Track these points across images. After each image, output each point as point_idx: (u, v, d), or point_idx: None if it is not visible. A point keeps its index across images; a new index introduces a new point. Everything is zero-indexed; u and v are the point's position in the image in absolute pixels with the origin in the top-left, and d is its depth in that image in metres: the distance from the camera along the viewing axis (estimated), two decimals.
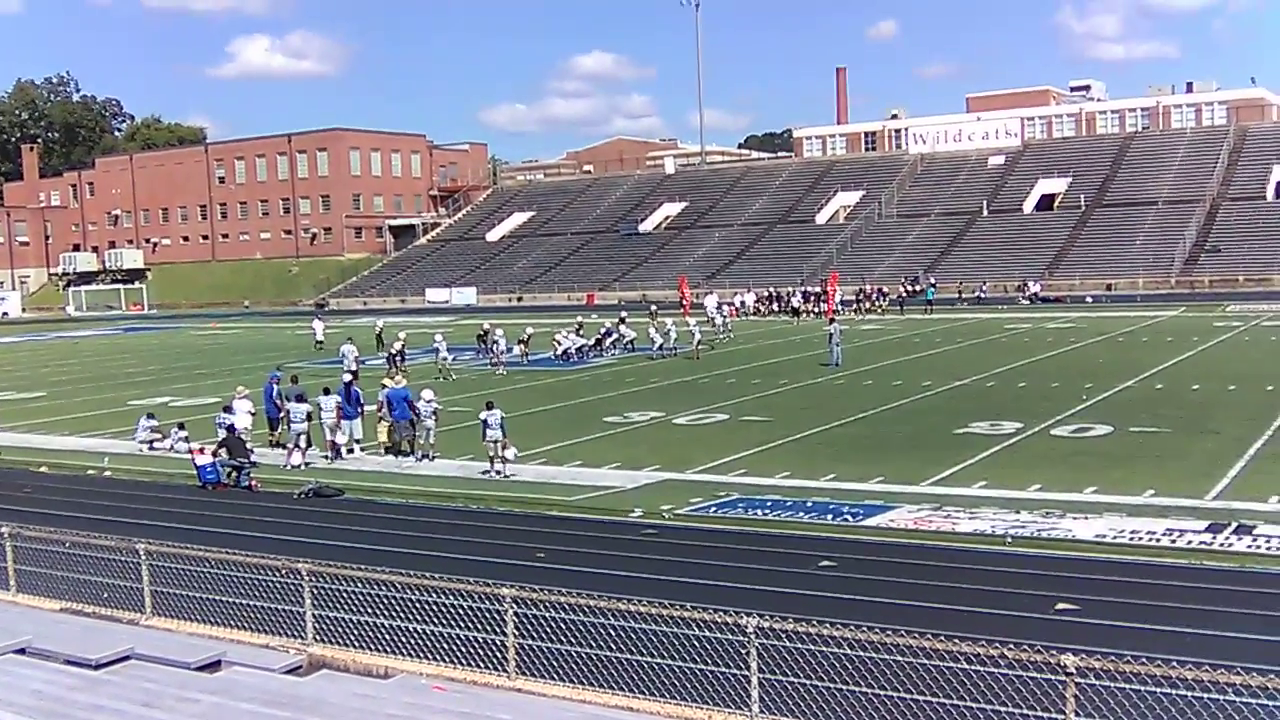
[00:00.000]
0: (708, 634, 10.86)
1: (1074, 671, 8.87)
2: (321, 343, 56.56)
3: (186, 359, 56.26)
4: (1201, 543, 15.67)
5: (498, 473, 22.92)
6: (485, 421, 22.97)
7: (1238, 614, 12.67)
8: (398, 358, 42.05)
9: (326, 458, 25.75)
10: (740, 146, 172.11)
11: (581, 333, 47.88)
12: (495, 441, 22.92)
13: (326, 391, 26.68)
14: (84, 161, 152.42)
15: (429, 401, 25.10)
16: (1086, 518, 17.30)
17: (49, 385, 45.85)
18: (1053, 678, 9.37)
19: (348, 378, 28.52)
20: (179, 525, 19.07)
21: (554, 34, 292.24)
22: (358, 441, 26.43)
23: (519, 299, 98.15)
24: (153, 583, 13.70)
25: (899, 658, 10.26)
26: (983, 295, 75.12)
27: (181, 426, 28.27)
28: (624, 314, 53.17)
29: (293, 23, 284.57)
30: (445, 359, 41.27)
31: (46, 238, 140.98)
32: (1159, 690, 9.14)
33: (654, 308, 56.74)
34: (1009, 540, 16.23)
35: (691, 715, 10.19)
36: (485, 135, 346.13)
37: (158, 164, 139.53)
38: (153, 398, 38.39)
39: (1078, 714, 8.96)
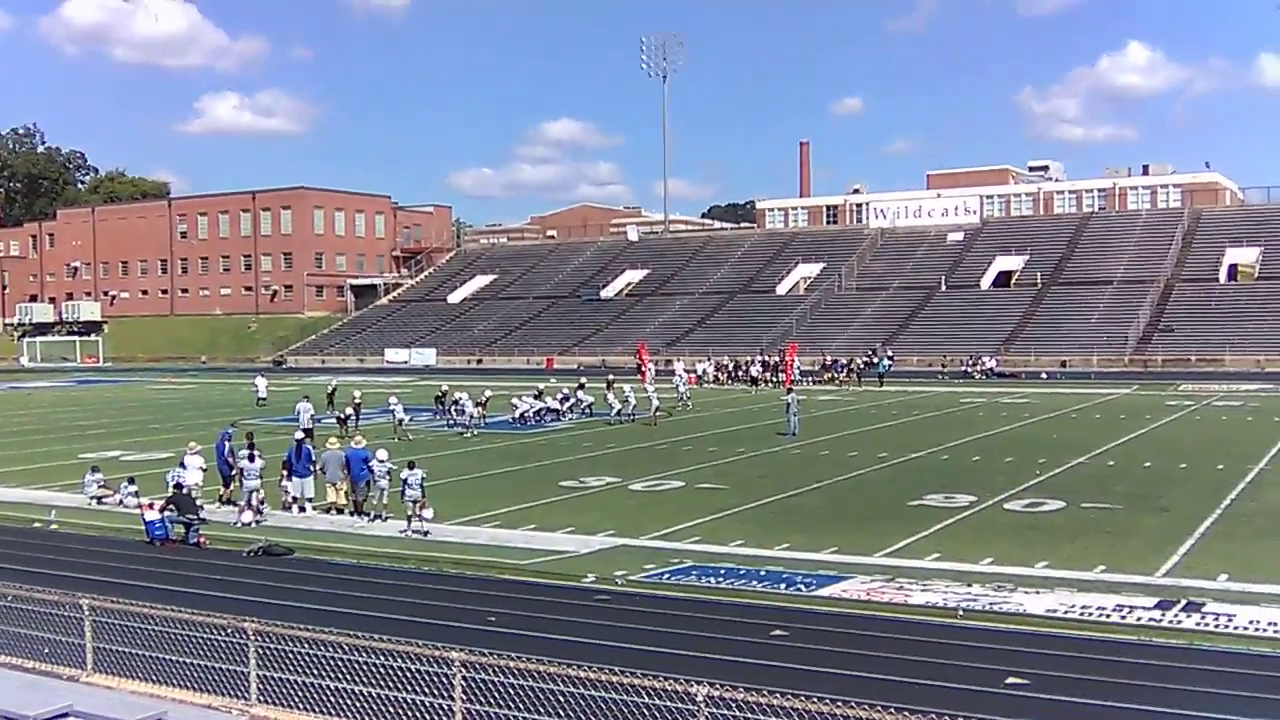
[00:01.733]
0: (657, 701, 10.78)
1: None
2: (264, 400, 56.16)
3: (140, 413, 55.70)
4: (1151, 619, 15.74)
5: (415, 531, 23.21)
6: (406, 480, 23.44)
7: (1185, 691, 12.71)
8: (349, 419, 41.79)
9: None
10: (704, 216, 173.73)
11: (541, 397, 47.83)
12: (414, 501, 23.34)
13: (252, 446, 26.43)
14: (45, 213, 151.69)
15: (382, 462, 25.11)
16: (1038, 592, 17.34)
17: None
18: None
19: (300, 435, 28.33)
20: (124, 581, 18.79)
21: (523, 101, 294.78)
22: (309, 500, 26.23)
23: (479, 361, 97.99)
24: (95, 639, 13.47)
25: None
26: (969, 370, 73.87)
27: (131, 481, 27.93)
28: (583, 379, 53.16)
29: (263, 82, 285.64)
30: (402, 420, 41.05)
31: (3, 287, 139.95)
32: None
33: (611, 376, 56.70)
34: (961, 613, 16.24)
35: None
36: (451, 198, 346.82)
37: (119, 217, 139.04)
38: (104, 451, 37.94)
39: None
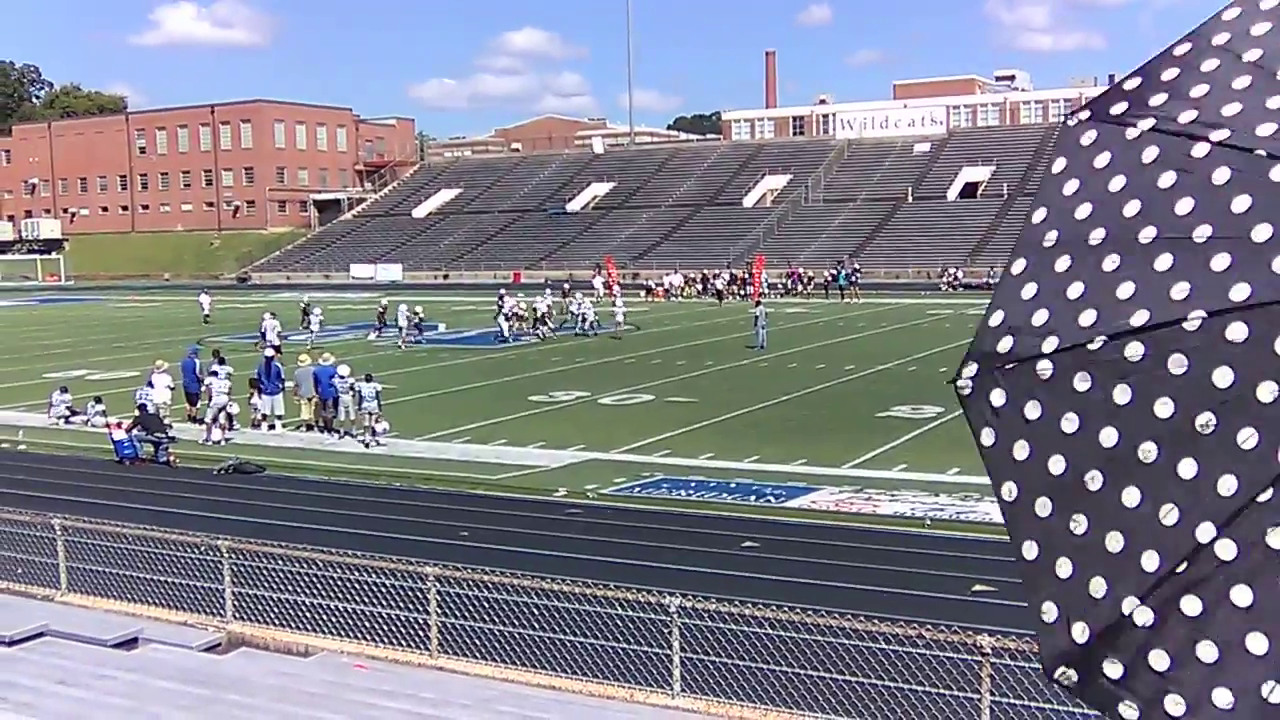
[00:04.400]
0: (630, 613, 10.92)
1: (990, 652, 9.04)
2: (209, 316, 55.98)
3: (104, 331, 55.25)
4: None
5: (371, 443, 23.55)
6: (360, 393, 23.73)
7: None
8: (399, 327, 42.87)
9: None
10: (669, 128, 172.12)
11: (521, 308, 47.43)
12: (370, 413, 23.62)
13: (221, 362, 26.59)
14: (1, 129, 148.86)
15: (343, 379, 25.08)
16: None
17: None
18: (969, 658, 9.55)
19: (270, 352, 28.19)
20: (95, 500, 18.76)
21: (486, 9, 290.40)
22: (279, 417, 26.21)
23: (445, 276, 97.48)
24: (68, 559, 13.50)
25: (819, 638, 10.38)
26: (936, 282, 73.85)
27: (98, 400, 27.78)
28: (504, 291, 53.37)
29: None
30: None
31: None
32: None
33: (567, 285, 56.75)
34: (928, 523, 16.47)
35: (613, 694, 10.25)
36: (413, 110, 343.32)
37: (77, 133, 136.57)
38: (69, 370, 37.64)
39: (992, 693, 9.14)
